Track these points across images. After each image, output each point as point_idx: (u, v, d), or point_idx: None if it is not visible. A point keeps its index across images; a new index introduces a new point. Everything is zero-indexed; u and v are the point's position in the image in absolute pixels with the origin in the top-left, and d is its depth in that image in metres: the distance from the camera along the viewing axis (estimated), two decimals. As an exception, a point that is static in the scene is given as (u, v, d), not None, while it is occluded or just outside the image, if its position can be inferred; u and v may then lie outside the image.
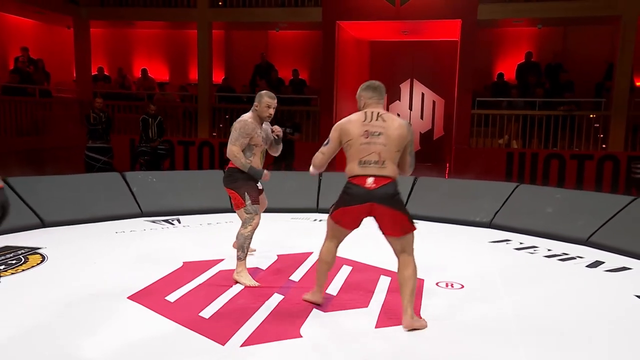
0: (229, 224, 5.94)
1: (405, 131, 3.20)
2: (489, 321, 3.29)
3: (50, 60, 11.79)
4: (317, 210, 6.62)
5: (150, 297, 3.58)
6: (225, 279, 3.99)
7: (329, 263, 3.38)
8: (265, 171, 4.04)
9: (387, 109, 13.53)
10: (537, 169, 9.30)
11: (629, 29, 9.19)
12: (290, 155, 9.46)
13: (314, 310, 3.40)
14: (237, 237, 3.95)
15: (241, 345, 2.87)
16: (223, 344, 2.89)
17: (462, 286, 3.92)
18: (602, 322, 3.33)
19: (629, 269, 4.48)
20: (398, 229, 3.17)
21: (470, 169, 8.62)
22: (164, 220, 5.98)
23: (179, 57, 13.02)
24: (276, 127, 4.09)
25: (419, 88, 12.97)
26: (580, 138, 9.52)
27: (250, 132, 3.93)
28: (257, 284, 3.85)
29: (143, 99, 11.79)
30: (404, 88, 13.07)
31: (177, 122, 11.36)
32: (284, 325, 3.16)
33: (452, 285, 3.92)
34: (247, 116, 3.98)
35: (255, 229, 3.96)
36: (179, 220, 6.01)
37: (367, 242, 5.10)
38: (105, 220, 5.83)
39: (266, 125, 4.12)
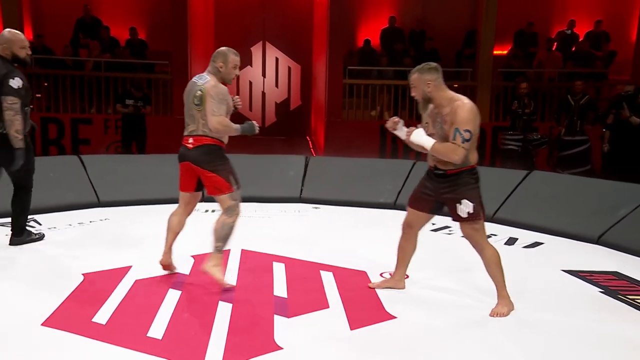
0: (106, 221, 5.68)
1: None
2: (453, 303, 3.74)
3: None
4: (203, 199, 6.55)
5: (71, 320, 3.37)
6: (149, 290, 3.90)
7: None
8: (254, 122, 3.97)
9: (238, 76, 13.55)
10: (410, 142, 10.15)
11: (492, -3, 10.41)
12: (142, 133, 9.11)
13: (275, 317, 3.51)
14: (221, 227, 3.88)
15: (222, 366, 2.91)
16: (201, 368, 2.89)
17: (407, 276, 4.30)
18: (550, 295, 3.97)
19: (542, 243, 5.30)
20: None
21: (344, 144, 9.13)
22: (18, 222, 5.46)
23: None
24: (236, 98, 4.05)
25: (273, 52, 13.18)
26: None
27: (227, 96, 3.84)
28: (231, 285, 3.96)
29: None
30: (256, 52, 13.18)
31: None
32: (253, 337, 3.23)
33: (396, 275, 4.29)
34: (213, 82, 3.83)
35: (239, 218, 3.94)
36: (37, 222, 5.54)
37: (285, 236, 5.33)
38: None
39: None
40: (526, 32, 11.98)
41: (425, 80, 3.54)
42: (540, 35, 12.03)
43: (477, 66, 10.68)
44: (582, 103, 8.92)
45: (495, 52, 11.40)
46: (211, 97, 3.76)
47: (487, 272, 3.67)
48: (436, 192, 3.66)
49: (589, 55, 11.64)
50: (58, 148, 9.82)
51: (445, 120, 3.51)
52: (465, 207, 3.53)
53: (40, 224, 5.47)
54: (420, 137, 3.58)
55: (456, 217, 3.62)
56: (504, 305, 3.62)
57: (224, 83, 3.90)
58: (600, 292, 4.10)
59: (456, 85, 10.93)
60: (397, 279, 4.02)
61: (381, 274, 4.28)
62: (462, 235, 3.74)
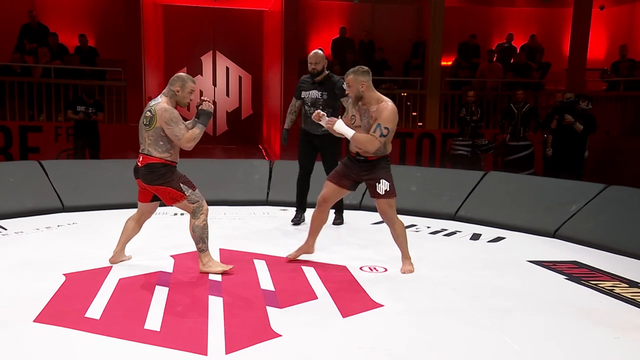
0: (74, 225, 5.58)
1: None
2: (435, 294, 3.89)
3: None
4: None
5: (64, 316, 3.33)
6: (136, 287, 3.89)
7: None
8: (205, 104, 4.11)
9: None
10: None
11: (439, 9, 10.81)
12: (95, 140, 8.94)
13: (268, 308, 3.58)
14: (193, 230, 4.08)
15: (227, 353, 2.96)
16: (206, 354, 2.93)
17: (386, 269, 4.45)
18: (522, 282, 4.19)
19: (504, 238, 5.56)
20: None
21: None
22: (-19, 228, 5.31)
23: None
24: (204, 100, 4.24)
25: (223, 61, 13.20)
26: (401, 116, 10.91)
27: (178, 117, 4.04)
28: (230, 266, 4.21)
29: None
30: (206, 61, 13.16)
31: None
32: (251, 327, 3.29)
33: (376, 269, 4.43)
34: (164, 105, 4.00)
35: (207, 215, 4.12)
36: (2, 227, 5.38)
37: (259, 236, 5.39)
38: None
39: None
40: (469, 44, 12.50)
41: (360, 81, 4.11)
42: (482, 47, 12.58)
43: (425, 76, 11.04)
44: (524, 111, 9.38)
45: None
46: (166, 124, 3.95)
47: (395, 241, 4.38)
48: (357, 174, 4.34)
49: (526, 67, 12.25)
50: (5, 157, 9.49)
51: (372, 116, 4.13)
52: (383, 186, 4.21)
53: (5, 229, 5.32)
54: (342, 128, 4.17)
55: (375, 195, 4.26)
56: (409, 264, 4.37)
57: (178, 106, 4.10)
58: (566, 278, 4.37)
59: (404, 94, 11.29)
60: (310, 244, 4.56)
61: (361, 268, 4.42)
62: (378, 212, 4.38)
